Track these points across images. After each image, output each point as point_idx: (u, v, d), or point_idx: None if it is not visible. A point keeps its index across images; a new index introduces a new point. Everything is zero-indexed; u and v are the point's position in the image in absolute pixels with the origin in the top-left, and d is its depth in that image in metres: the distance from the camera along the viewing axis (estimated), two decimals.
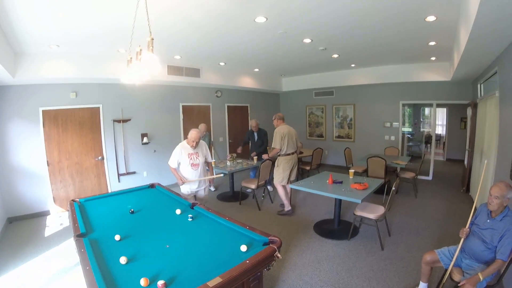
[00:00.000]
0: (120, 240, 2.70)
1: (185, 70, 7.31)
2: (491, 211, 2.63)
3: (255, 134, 7.39)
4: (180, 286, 1.95)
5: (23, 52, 5.11)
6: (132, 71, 3.00)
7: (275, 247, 2.36)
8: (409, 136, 11.41)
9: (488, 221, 2.64)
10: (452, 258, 2.76)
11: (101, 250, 2.53)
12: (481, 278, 2.38)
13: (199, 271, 2.13)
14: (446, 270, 2.80)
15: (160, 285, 1.92)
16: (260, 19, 4.01)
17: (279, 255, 2.33)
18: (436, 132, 12.62)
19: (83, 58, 5.71)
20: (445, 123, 11.72)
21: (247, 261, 2.16)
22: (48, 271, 3.81)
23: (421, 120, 12.24)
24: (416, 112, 12.12)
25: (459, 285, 2.52)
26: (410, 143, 11.35)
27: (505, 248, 2.42)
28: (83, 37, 4.59)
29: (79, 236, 2.79)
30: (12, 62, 4.86)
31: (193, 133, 4.33)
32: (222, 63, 7.45)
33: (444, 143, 11.84)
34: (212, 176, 5.18)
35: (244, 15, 3.90)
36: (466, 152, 6.66)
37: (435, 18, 3.98)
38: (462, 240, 2.76)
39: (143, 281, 1.97)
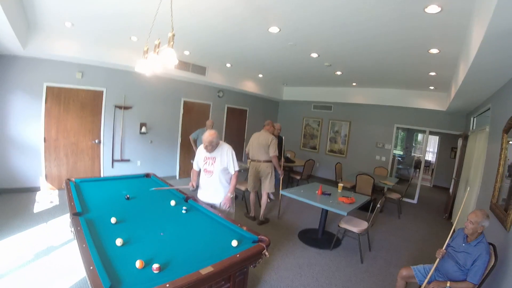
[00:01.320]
0: (116, 223, 2.79)
1: (192, 67, 7.43)
2: (467, 236, 2.80)
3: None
4: (173, 271, 2.05)
5: (37, 25, 5.08)
6: (148, 62, 3.10)
7: (264, 246, 2.49)
8: (399, 159, 11.66)
9: (464, 245, 2.80)
10: (427, 275, 2.93)
11: (96, 230, 2.60)
12: (448, 284, 2.63)
13: (192, 259, 2.24)
14: (419, 286, 2.96)
15: (155, 268, 2.03)
16: (274, 29, 4.16)
17: (267, 253, 2.46)
18: (426, 158, 12.94)
19: (94, 40, 5.76)
20: (436, 150, 12.03)
21: (238, 255, 2.29)
22: (35, 247, 3.84)
23: (413, 145, 12.51)
24: (409, 136, 12.40)
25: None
26: (400, 166, 11.61)
27: (476, 272, 2.58)
28: (98, 20, 4.62)
29: (76, 214, 2.85)
30: (24, 33, 4.88)
31: (204, 136, 3.63)
32: (228, 65, 7.56)
33: (433, 170, 12.13)
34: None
35: (259, 24, 4.04)
36: (453, 181, 6.89)
37: (438, 51, 4.19)
38: (437, 260, 2.92)
39: (138, 263, 2.07)
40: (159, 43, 2.92)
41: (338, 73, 6.83)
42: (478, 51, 2.58)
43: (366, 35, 3.93)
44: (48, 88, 5.96)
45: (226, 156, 3.64)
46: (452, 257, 2.85)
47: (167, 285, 1.82)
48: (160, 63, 2.84)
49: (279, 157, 6.15)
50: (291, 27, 4.02)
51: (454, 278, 2.76)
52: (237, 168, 3.68)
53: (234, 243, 2.53)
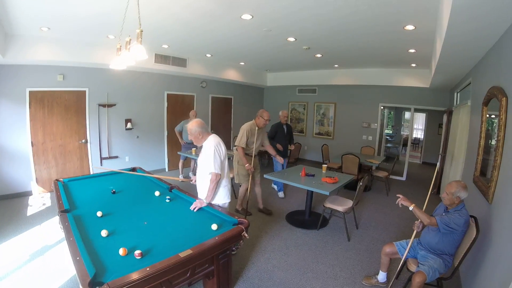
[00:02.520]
0: (101, 216, 2.91)
1: (172, 60, 7.45)
2: (447, 207, 2.89)
3: (285, 127, 6.53)
4: (155, 256, 2.18)
5: (14, 34, 5.16)
6: (121, 59, 3.19)
7: (243, 227, 2.60)
8: (388, 138, 11.82)
9: (444, 214, 2.87)
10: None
11: (83, 225, 2.73)
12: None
13: (173, 244, 2.36)
14: (404, 261, 3.06)
15: (136, 254, 2.15)
16: (246, 16, 4.18)
17: (246, 234, 2.58)
18: (415, 136, 13.12)
19: (72, 42, 5.79)
20: (424, 127, 12.20)
21: (216, 238, 2.40)
22: (30, 249, 3.94)
23: (402, 123, 12.67)
24: (397, 115, 12.55)
25: (410, 270, 2.85)
26: (389, 145, 11.77)
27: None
28: (74, 21, 4.66)
29: (63, 212, 2.97)
30: (2, 41, 4.90)
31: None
32: (208, 55, 7.62)
33: (421, 147, 12.31)
34: (177, 178, 4.61)
35: (230, 13, 4.08)
36: (439, 156, 7.03)
37: (413, 27, 4.24)
38: (414, 232, 3.02)
39: (121, 251, 2.20)
40: (130, 40, 2.99)
41: (318, 55, 6.88)
42: (449, 23, 2.58)
43: (339, 15, 3.95)
44: (31, 93, 5.96)
45: (206, 151, 3.26)
46: (433, 228, 2.90)
47: (148, 269, 1.95)
48: (131, 59, 2.93)
49: (287, 145, 6.27)
50: (263, 13, 4.04)
51: (436, 249, 2.84)
52: (213, 170, 3.14)
53: (214, 226, 2.65)
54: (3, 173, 5.84)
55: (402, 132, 12.55)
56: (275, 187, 6.64)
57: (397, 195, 3.11)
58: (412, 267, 2.90)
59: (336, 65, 8.32)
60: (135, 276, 1.89)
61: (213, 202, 3.35)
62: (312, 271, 3.57)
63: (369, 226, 5.00)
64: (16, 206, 5.55)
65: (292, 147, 6.63)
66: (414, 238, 3.04)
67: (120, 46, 3.42)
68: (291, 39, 5.39)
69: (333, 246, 4.22)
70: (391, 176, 7.76)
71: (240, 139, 4.92)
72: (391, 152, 11.49)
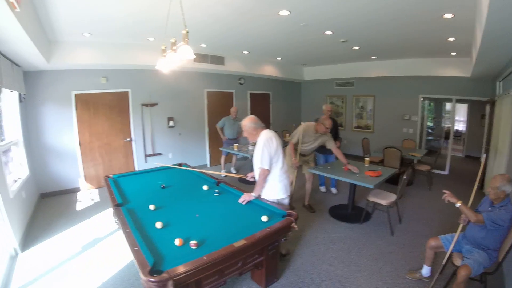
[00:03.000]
0: (154, 209, 3.07)
1: (210, 58, 7.58)
2: (492, 202, 2.79)
3: None
4: (210, 246, 2.27)
5: (57, 40, 5.46)
6: (167, 60, 3.32)
7: (293, 219, 2.64)
8: (428, 130, 11.38)
9: (489, 208, 2.78)
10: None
11: (138, 217, 2.88)
12: (458, 205, 2.80)
13: (226, 235, 2.44)
14: (449, 255, 2.97)
15: (192, 244, 2.25)
16: (284, 12, 4.20)
17: (295, 226, 2.61)
18: (457, 128, 12.54)
19: (113, 46, 6.06)
20: (465, 119, 11.64)
21: (268, 228, 2.46)
22: (82, 241, 4.21)
23: (443, 115, 12.14)
24: (438, 106, 12.04)
25: (455, 264, 2.77)
26: (430, 137, 11.33)
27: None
28: (114, 26, 4.89)
29: (117, 205, 3.15)
30: (47, 48, 5.21)
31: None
32: (245, 52, 7.70)
33: (464, 139, 11.76)
34: (213, 172, 4.53)
35: (268, 9, 4.11)
36: (483, 149, 6.70)
37: (452, 15, 4.08)
38: (460, 226, 2.94)
39: (177, 241, 2.30)
40: (175, 41, 3.11)
41: (356, 48, 6.76)
42: (489, 9, 2.49)
43: (377, 6, 3.89)
44: (76, 95, 6.33)
45: (256, 147, 3.33)
46: None
47: (205, 258, 2.03)
48: (178, 59, 3.03)
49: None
50: (300, 8, 4.04)
51: (482, 243, 2.76)
52: (261, 165, 3.20)
53: (264, 218, 2.71)
54: (54, 171, 6.26)
55: (443, 124, 12.04)
56: (322, 188, 6.42)
57: (443, 191, 3.02)
58: (457, 261, 2.84)
59: (373, 57, 8.13)
60: (192, 264, 1.98)
61: (267, 198, 3.31)
62: (356, 264, 3.55)
63: (411, 220, 4.87)
64: (66, 201, 5.94)
65: (337, 144, 6.06)
66: (460, 232, 2.95)
67: (165, 48, 3.55)
68: (328, 32, 5.34)
69: (376, 240, 4.17)
70: (433, 170, 7.50)
71: (293, 136, 5.12)
72: (432, 145, 11.05)
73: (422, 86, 8.53)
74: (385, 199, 4.41)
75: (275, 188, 3.33)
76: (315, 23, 4.80)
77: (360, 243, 4.08)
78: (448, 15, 4.08)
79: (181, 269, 1.93)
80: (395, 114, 9.18)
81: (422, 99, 8.71)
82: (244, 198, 3.28)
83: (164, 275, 1.85)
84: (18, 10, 2.58)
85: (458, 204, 2.81)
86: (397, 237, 4.28)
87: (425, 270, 3.25)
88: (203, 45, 6.69)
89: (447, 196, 2.95)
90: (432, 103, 11.50)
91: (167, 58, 3.33)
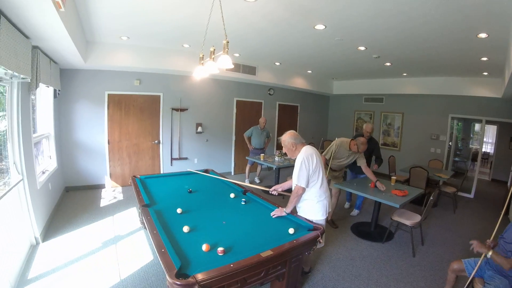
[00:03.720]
0: (181, 213, 3.13)
1: (242, 67, 7.73)
2: None
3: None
4: (236, 254, 2.30)
5: (95, 41, 5.71)
6: (205, 68, 3.41)
7: (319, 233, 2.65)
8: (456, 151, 11.08)
9: None
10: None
11: (165, 219, 2.94)
12: (489, 255, 2.61)
13: (252, 244, 2.47)
14: (471, 280, 2.87)
15: (219, 251, 2.29)
16: (320, 27, 4.27)
17: (321, 240, 2.62)
18: (485, 150, 12.16)
19: (148, 50, 6.26)
20: (494, 141, 11.28)
21: (295, 241, 2.47)
22: (103, 237, 4.33)
23: (471, 136, 11.82)
24: (466, 127, 11.71)
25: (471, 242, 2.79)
26: (456, 159, 11.03)
27: None
28: (152, 33, 5.10)
29: (145, 206, 3.23)
30: (85, 48, 5.45)
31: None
32: (277, 63, 7.81)
33: (491, 162, 11.39)
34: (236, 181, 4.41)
35: (305, 22, 4.19)
36: (511, 173, 6.48)
37: (486, 35, 4.04)
38: (485, 252, 2.86)
39: (205, 246, 2.35)
40: (214, 50, 3.18)
41: (387, 64, 6.74)
42: None
43: (412, 24, 3.90)
44: (109, 95, 6.57)
45: (295, 163, 3.17)
46: (503, 248, 2.78)
47: (232, 265, 2.06)
48: (215, 68, 3.12)
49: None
50: (336, 23, 4.10)
51: (504, 271, 2.69)
52: (297, 182, 3.07)
53: (291, 230, 2.73)
54: (82, 166, 6.50)
55: (470, 146, 11.71)
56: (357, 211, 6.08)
57: (471, 242, 2.89)
58: (478, 286, 2.79)
59: (404, 74, 8.07)
60: (219, 271, 2.00)
61: (307, 217, 3.17)
62: (376, 284, 3.49)
63: (434, 242, 4.75)
64: (91, 197, 6.13)
65: (375, 167, 6.00)
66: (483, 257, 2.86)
67: (203, 56, 3.65)
68: (362, 48, 5.36)
69: (397, 261, 4.09)
70: (458, 193, 7.30)
71: (327, 151, 5.14)
72: (459, 166, 10.76)
73: (452, 105, 8.37)
74: (410, 219, 4.34)
75: (313, 208, 3.19)
76: (349, 39, 4.83)
77: (381, 262, 4.01)
78: (483, 35, 4.04)
79: (207, 274, 1.95)
80: (423, 133, 9.01)
81: (451, 118, 8.52)
82: (275, 213, 3.24)
83: (191, 279, 1.88)
84: (62, 9, 2.69)
85: (489, 254, 2.67)
86: (418, 258, 4.19)
87: None
88: (237, 55, 6.83)
89: (476, 246, 2.83)
90: (460, 123, 11.22)
91: (205, 66, 3.40)
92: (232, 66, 2.93)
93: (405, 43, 4.91)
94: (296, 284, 2.99)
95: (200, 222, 2.91)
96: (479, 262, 2.83)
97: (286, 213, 3.19)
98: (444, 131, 8.58)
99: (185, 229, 2.68)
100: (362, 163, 5.08)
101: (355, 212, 5.97)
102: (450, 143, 9.09)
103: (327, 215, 3.30)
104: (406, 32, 4.28)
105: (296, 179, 3.07)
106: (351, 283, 3.47)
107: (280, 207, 3.32)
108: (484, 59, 5.36)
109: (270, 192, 3.57)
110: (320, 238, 2.61)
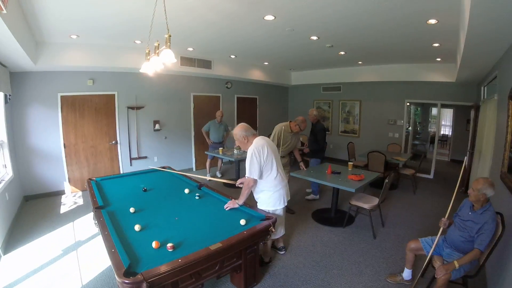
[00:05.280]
0: (134, 212, 3.08)
1: (197, 62, 7.61)
2: (473, 205, 2.79)
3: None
4: (186, 248, 2.28)
5: (44, 41, 5.43)
6: (150, 63, 3.33)
7: (270, 222, 2.66)
8: (416, 135, 11.53)
9: (470, 213, 2.78)
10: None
11: (117, 220, 2.89)
12: (457, 265, 2.56)
13: (203, 238, 2.46)
14: (429, 258, 2.97)
15: (169, 247, 2.26)
16: (269, 17, 4.25)
17: (273, 229, 2.64)
18: (443, 132, 12.74)
19: (100, 48, 6.04)
20: (451, 124, 11.84)
21: (245, 232, 2.48)
22: (63, 244, 4.18)
23: (429, 120, 12.34)
24: (424, 111, 12.22)
25: (435, 268, 2.76)
26: (416, 142, 11.49)
27: (482, 239, 2.57)
28: (102, 28, 4.88)
29: (98, 208, 3.15)
30: (34, 50, 5.18)
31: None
32: (232, 56, 7.75)
33: (450, 144, 11.95)
34: (198, 176, 4.80)
35: (253, 14, 4.15)
36: (468, 153, 6.82)
37: (436, 21, 4.16)
38: (441, 229, 2.96)
39: (154, 244, 2.32)
40: (158, 45, 3.12)
41: (342, 53, 6.85)
42: (470, 14, 2.52)
43: (361, 11, 3.94)
44: (62, 97, 6.27)
45: (247, 155, 3.16)
46: (459, 226, 2.85)
47: (180, 260, 2.05)
48: (161, 63, 3.06)
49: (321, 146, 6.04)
50: (286, 13, 4.09)
51: (461, 248, 2.77)
52: (248, 174, 3.11)
53: (243, 222, 2.74)
54: (37, 173, 6.18)
55: (429, 129, 12.23)
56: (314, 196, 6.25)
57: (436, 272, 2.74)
58: (437, 264, 2.84)
59: (360, 62, 8.24)
60: (167, 266, 2.00)
61: (263, 208, 3.24)
62: (338, 268, 3.57)
63: (395, 224, 4.93)
64: (50, 204, 5.87)
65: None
66: (440, 235, 2.98)
67: (149, 51, 3.57)
68: (314, 37, 5.40)
69: (358, 244, 4.21)
70: (418, 174, 7.60)
71: (273, 139, 5.10)
72: (419, 149, 11.21)
73: (408, 91, 8.68)
74: (368, 202, 4.47)
75: (271, 198, 3.24)
76: (300, 28, 4.85)
77: (342, 247, 4.11)
78: (432, 21, 4.14)
79: (155, 271, 1.96)
80: (381, 118, 9.31)
81: (408, 104, 8.84)
82: (229, 205, 3.26)
83: (138, 277, 1.88)
84: (4, 11, 2.55)
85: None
86: (379, 240, 4.33)
87: (406, 274, 3.27)
88: (190, 49, 6.71)
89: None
90: (419, 108, 11.68)
91: (150, 61, 3.34)
92: (175, 61, 2.86)
93: (357, 32, 4.99)
94: (255, 274, 3.01)
95: (152, 220, 2.88)
96: (436, 240, 2.92)
97: (239, 204, 3.22)
98: (401, 116, 8.90)
99: (137, 227, 2.64)
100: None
101: (311, 196, 6.12)
102: (409, 128, 9.45)
103: (285, 204, 3.36)
104: (356, 20, 4.33)
105: (248, 171, 3.09)
106: (312, 269, 3.53)
107: (233, 199, 3.34)
108: (436, 45, 5.53)
109: (237, 185, 3.55)
110: (272, 227, 2.63)
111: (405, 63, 7.96)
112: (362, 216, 5.02)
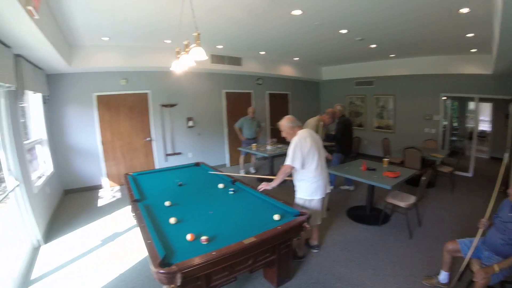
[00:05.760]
0: (169, 206, 3.16)
1: (227, 59, 7.66)
2: None
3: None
4: (220, 242, 2.30)
5: (77, 44, 5.69)
6: (181, 61, 3.42)
7: (304, 218, 2.63)
8: (453, 131, 11.02)
9: (510, 214, 2.60)
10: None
11: (153, 213, 2.97)
12: (497, 269, 2.38)
13: (237, 232, 2.47)
14: (468, 261, 2.81)
15: (203, 240, 2.30)
16: (296, 12, 4.21)
17: (307, 225, 2.60)
18: (482, 128, 12.08)
19: (132, 48, 6.25)
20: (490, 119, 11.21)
21: (279, 227, 2.46)
22: (102, 235, 4.40)
23: (466, 114, 11.74)
24: (462, 106, 11.65)
25: (473, 271, 2.59)
26: (454, 138, 10.98)
27: None
28: (131, 30, 5.05)
29: (135, 201, 3.26)
30: (68, 52, 5.45)
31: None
32: (262, 52, 7.75)
33: (489, 140, 11.33)
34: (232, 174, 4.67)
35: (280, 9, 4.13)
36: (507, 150, 6.43)
37: (468, 10, 3.95)
38: (480, 231, 2.78)
39: (189, 236, 2.36)
40: (188, 43, 3.19)
41: (373, 46, 6.66)
42: (504, 2, 2.38)
43: (392, 4, 3.83)
44: (98, 97, 6.58)
45: (290, 145, 3.34)
46: (499, 228, 2.68)
47: (213, 253, 2.07)
48: (191, 61, 3.13)
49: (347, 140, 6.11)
50: (313, 7, 4.03)
51: (501, 251, 2.60)
52: (288, 162, 3.27)
53: (276, 217, 2.72)
54: (77, 168, 6.54)
55: (467, 125, 11.65)
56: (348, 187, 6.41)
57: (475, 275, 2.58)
58: (475, 268, 2.64)
59: (392, 55, 7.98)
60: (201, 259, 2.04)
61: (302, 197, 3.41)
62: (372, 267, 3.47)
63: (432, 223, 4.72)
64: (89, 197, 6.19)
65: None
66: (480, 237, 2.80)
67: (179, 50, 3.65)
68: (343, 31, 5.29)
69: (394, 243, 4.06)
70: (456, 172, 7.25)
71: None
72: (456, 146, 10.71)
73: (443, 85, 8.26)
74: (404, 201, 4.31)
75: (308, 188, 3.37)
76: (329, 22, 4.77)
77: (377, 246, 3.99)
78: (464, 10, 3.95)
79: (189, 262, 1.99)
80: (417, 113, 8.92)
81: (444, 98, 8.45)
82: (262, 186, 3.43)
83: (173, 267, 1.92)
84: (37, 17, 2.70)
85: (497, 270, 2.42)
86: (415, 240, 4.15)
87: (443, 276, 3.11)
88: (220, 46, 6.78)
89: (479, 273, 2.48)
90: (456, 103, 11.14)
91: (180, 59, 3.42)
92: (206, 58, 2.92)
93: (386, 24, 4.84)
94: (288, 270, 3.00)
95: (187, 214, 2.93)
96: (475, 242, 2.76)
97: (272, 187, 3.40)
98: (437, 110, 8.50)
99: (172, 220, 2.71)
100: None
101: (345, 187, 6.25)
102: (446, 123, 9.04)
103: (325, 195, 3.46)
104: (385, 12, 4.21)
105: (289, 159, 3.26)
106: (346, 268, 3.46)
107: (265, 183, 3.44)
108: (470, 35, 5.27)
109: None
110: (306, 223, 2.59)
111: (438, 55, 7.63)
112: (398, 215, 4.83)
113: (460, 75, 7.65)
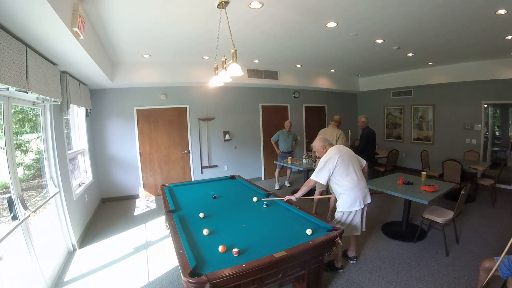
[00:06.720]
0: (203, 217, 3.27)
1: (264, 73, 7.81)
2: None
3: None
4: (251, 254, 2.36)
5: (119, 61, 6.10)
6: (219, 77, 3.59)
7: (337, 234, 2.64)
8: (495, 141, 10.42)
9: None
10: None
11: (187, 224, 3.10)
12: None
13: (268, 245, 2.51)
14: (504, 280, 2.67)
15: (234, 252, 2.37)
16: (331, 24, 4.26)
17: (340, 241, 2.61)
18: None
19: (171, 64, 6.56)
20: None
21: (310, 242, 2.49)
22: (135, 243, 4.62)
23: (509, 123, 11.07)
24: (503, 114, 11.00)
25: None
26: (495, 148, 10.38)
27: None
28: (170, 47, 5.33)
29: (169, 212, 3.42)
30: (110, 69, 5.83)
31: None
32: (298, 66, 7.83)
33: None
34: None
35: (315, 22, 4.20)
36: None
37: (505, 11, 3.80)
38: None
39: (220, 248, 2.44)
40: (225, 60, 3.35)
41: (410, 54, 6.54)
42: None
43: (426, 10, 3.78)
44: (138, 111, 6.97)
45: (320, 161, 3.57)
46: None
47: (244, 265, 2.13)
48: (228, 76, 3.30)
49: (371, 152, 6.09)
50: (347, 18, 4.07)
51: None
52: (313, 176, 3.53)
53: (309, 231, 2.74)
54: (115, 178, 6.93)
55: (510, 133, 10.97)
56: None
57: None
58: None
59: (430, 63, 7.75)
60: (231, 270, 2.09)
61: (340, 209, 3.53)
62: (405, 286, 3.37)
63: (470, 240, 4.49)
64: (125, 206, 6.52)
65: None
66: None
67: (217, 66, 3.83)
68: (379, 40, 5.27)
69: (429, 261, 3.92)
70: (498, 185, 6.85)
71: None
72: (498, 156, 10.12)
73: (484, 92, 7.92)
74: (441, 216, 4.16)
75: (346, 200, 3.48)
76: (364, 32, 4.76)
77: (411, 264, 3.87)
78: (502, 11, 3.80)
79: (219, 273, 2.05)
80: (456, 123, 8.59)
81: (485, 105, 8.06)
82: (287, 197, 3.70)
83: (203, 277, 1.98)
84: (82, 37, 2.97)
85: None
86: (452, 258, 3.98)
87: None
88: (256, 61, 6.93)
89: None
90: (497, 110, 10.56)
91: (218, 75, 3.59)
92: (242, 74, 3.06)
93: (422, 30, 4.75)
94: (318, 285, 2.98)
95: (220, 226, 3.02)
96: None
97: (296, 198, 3.63)
98: (478, 120, 8.14)
99: (205, 232, 2.80)
100: None
101: None
102: (487, 133, 8.60)
103: (364, 205, 3.52)
104: (420, 19, 4.15)
105: (314, 173, 3.52)
106: (378, 285, 3.38)
107: (291, 195, 3.74)
108: (509, 37, 5.05)
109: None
110: (338, 239, 2.60)
111: (478, 60, 7.30)
112: (435, 231, 4.66)
113: (502, 80, 7.26)
